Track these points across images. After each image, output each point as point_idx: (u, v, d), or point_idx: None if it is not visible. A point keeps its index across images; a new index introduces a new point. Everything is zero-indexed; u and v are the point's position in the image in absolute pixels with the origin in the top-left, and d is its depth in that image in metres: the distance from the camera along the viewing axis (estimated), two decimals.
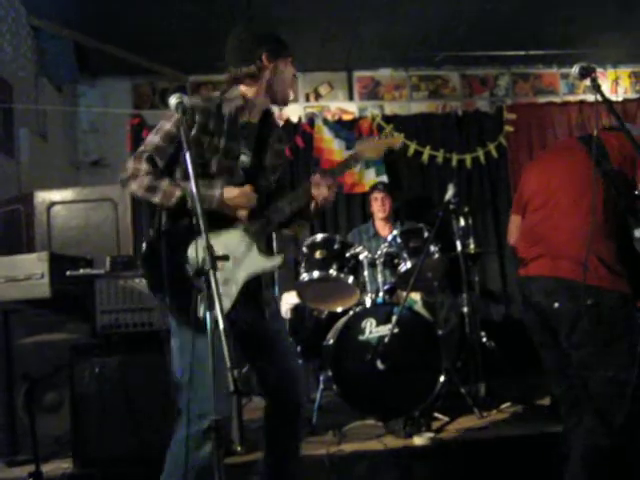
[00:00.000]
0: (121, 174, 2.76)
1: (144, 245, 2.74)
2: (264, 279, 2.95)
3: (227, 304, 2.67)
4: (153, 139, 2.76)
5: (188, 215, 2.64)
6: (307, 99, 7.02)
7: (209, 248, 2.20)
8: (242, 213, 2.81)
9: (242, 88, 2.92)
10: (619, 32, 6.33)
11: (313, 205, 2.96)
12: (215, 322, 2.12)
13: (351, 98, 7.13)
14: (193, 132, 2.74)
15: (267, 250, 2.93)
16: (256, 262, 2.84)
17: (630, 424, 2.82)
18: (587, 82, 2.73)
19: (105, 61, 6.04)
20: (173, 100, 2.46)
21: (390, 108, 7.14)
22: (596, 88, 2.76)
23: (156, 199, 2.69)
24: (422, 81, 7.28)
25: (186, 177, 2.54)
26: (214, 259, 2.20)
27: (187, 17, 5.36)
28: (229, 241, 2.79)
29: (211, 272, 2.17)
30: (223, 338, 2.09)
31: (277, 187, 3.07)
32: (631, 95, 7.85)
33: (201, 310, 2.44)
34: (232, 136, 2.85)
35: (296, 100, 7.00)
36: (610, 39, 6.50)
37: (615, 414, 2.82)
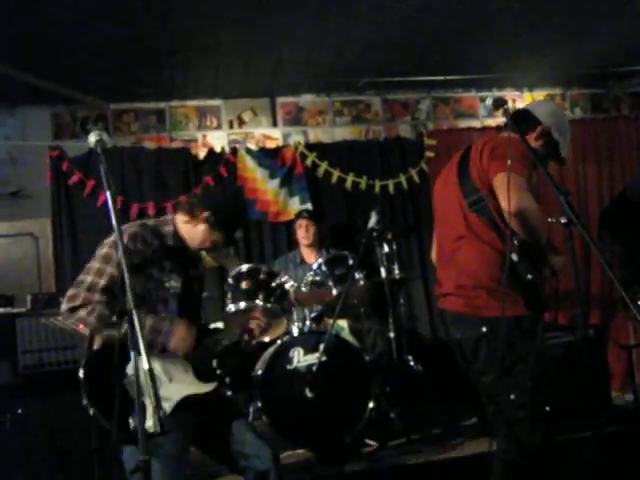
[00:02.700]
0: (66, 304, 2.83)
1: (81, 368, 2.80)
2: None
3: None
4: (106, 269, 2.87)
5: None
6: (231, 126, 6.99)
7: (130, 288, 2.21)
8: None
9: (178, 218, 3.14)
10: (534, 57, 6.48)
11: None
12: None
13: (275, 124, 7.12)
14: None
15: (206, 375, 3.00)
16: (190, 386, 2.91)
17: (540, 442, 2.92)
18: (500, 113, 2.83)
19: (23, 89, 5.90)
20: (92, 138, 2.44)
21: (314, 134, 7.16)
22: (508, 119, 2.87)
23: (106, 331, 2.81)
24: (345, 106, 7.32)
25: None
26: (136, 298, 2.22)
27: (108, 43, 5.28)
28: (169, 363, 2.90)
29: (134, 311, 2.18)
30: (148, 379, 2.09)
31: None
32: None
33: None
34: (159, 263, 3.00)
35: (220, 127, 6.99)
36: (526, 63, 6.65)
37: (525, 435, 2.90)
